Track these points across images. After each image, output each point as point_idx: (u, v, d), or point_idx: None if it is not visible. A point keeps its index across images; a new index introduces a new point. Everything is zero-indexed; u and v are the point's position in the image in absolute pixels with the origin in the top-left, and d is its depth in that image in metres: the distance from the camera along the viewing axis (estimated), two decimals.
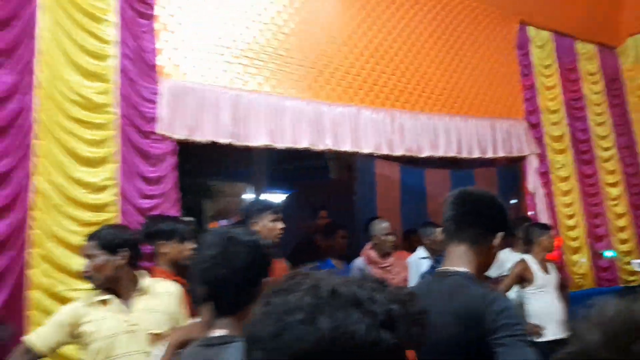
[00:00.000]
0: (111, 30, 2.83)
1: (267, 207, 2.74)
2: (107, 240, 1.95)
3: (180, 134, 2.99)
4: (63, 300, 2.44)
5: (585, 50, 5.16)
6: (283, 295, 0.62)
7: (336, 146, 3.52)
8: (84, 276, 2.06)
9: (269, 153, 4.84)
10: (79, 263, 2.54)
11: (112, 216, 2.72)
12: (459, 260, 1.33)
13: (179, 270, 2.45)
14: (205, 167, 4.81)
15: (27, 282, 2.49)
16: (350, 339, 0.57)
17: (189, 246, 2.47)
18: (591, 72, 5.15)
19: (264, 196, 6.03)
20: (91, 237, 1.99)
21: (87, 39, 2.76)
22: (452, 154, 4.05)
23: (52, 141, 2.59)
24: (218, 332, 1.14)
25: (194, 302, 1.46)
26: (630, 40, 5.31)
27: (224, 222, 4.69)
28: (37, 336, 1.90)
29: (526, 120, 4.65)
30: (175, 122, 2.98)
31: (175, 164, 3.00)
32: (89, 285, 2.20)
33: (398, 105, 3.89)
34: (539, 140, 4.68)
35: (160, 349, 1.43)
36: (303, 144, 3.42)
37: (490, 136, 4.28)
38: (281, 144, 3.34)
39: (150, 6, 3.00)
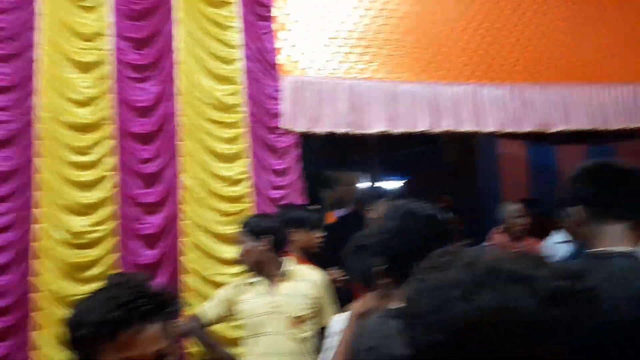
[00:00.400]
0: (236, 35, 3.07)
1: (382, 194, 2.77)
2: (251, 227, 2.14)
3: (302, 127, 3.13)
4: (212, 283, 2.73)
5: None
6: (437, 273, 0.61)
7: (456, 127, 3.41)
8: (238, 261, 2.29)
9: (384, 140, 4.85)
10: (223, 250, 2.82)
11: (247, 206, 2.96)
12: (620, 240, 1.19)
13: (309, 258, 2.58)
14: (321, 157, 4.97)
15: (181, 268, 2.82)
16: (513, 316, 0.55)
17: (317, 234, 2.60)
18: None
19: (379, 184, 6.05)
20: (241, 225, 2.21)
21: (216, 46, 3.02)
22: (588, 126, 3.68)
23: (194, 141, 2.90)
24: (396, 305, 1.17)
25: (365, 279, 1.51)
26: None
27: (340, 212, 4.79)
28: (204, 309, 2.20)
29: None
30: (296, 116, 3.13)
31: (299, 155, 3.16)
32: (235, 270, 2.43)
33: (523, 78, 3.63)
34: None
35: (339, 320, 1.53)
36: (420, 127, 3.37)
37: (633, 104, 3.80)
38: (398, 129, 3.33)
39: (268, 8, 3.18)
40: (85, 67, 2.80)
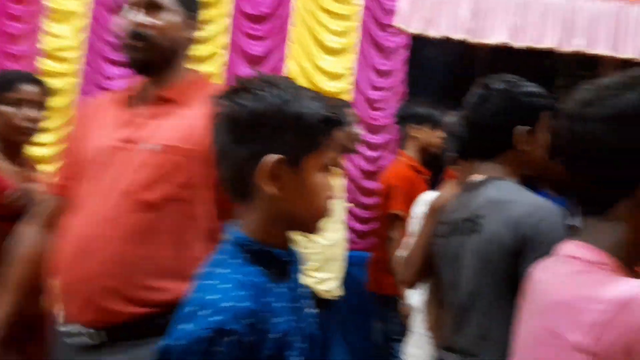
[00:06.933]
0: None
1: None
2: None
3: (417, 28, 2.95)
4: None
5: None
6: (594, 82, 0.73)
7: (590, 47, 3.04)
8: None
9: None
10: None
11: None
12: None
13: (425, 159, 2.47)
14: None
15: None
16: None
17: (439, 134, 2.38)
18: None
19: None
20: None
21: None
22: None
23: (305, 29, 2.85)
24: (476, 177, 1.18)
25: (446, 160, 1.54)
26: None
27: None
28: None
29: None
30: (413, 16, 2.94)
31: (407, 58, 3.02)
32: None
33: None
34: None
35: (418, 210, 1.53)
36: (547, 43, 3.04)
37: None
38: (521, 42, 3.03)
39: None
40: None
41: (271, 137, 0.70)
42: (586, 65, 3.63)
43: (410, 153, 2.54)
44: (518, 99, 1.14)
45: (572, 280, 0.70)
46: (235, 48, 2.84)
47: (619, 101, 0.68)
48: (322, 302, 2.19)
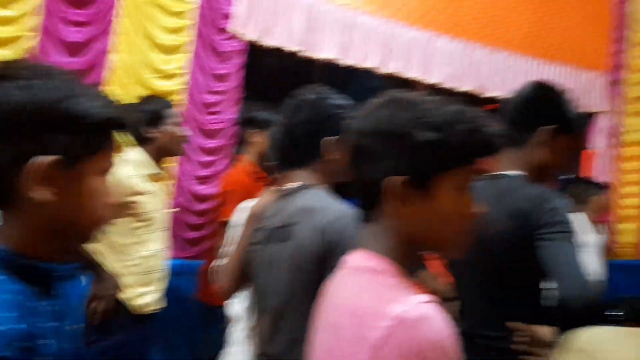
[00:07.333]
0: None
1: None
2: None
3: (253, 35, 2.97)
4: None
5: None
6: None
7: (404, 71, 3.42)
8: None
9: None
10: None
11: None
12: (511, 164, 1.34)
13: (265, 165, 2.41)
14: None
15: None
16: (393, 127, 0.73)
17: None
18: None
19: None
20: None
21: None
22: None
23: (132, 21, 2.63)
24: (291, 185, 1.21)
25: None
26: None
27: None
28: None
29: (607, 75, 4.34)
30: (249, 22, 2.95)
31: (243, 63, 3.01)
32: None
33: (476, 39, 3.69)
34: (617, 98, 4.39)
35: (238, 217, 1.50)
36: (369, 63, 3.34)
37: (567, 85, 4.03)
38: (349, 60, 3.28)
39: None
40: None
41: (41, 137, 0.62)
42: (403, 87, 4.11)
43: (249, 158, 2.52)
44: (326, 110, 1.21)
45: (359, 295, 0.71)
46: (48, 33, 2.49)
47: (376, 117, 0.76)
48: (141, 318, 2.00)
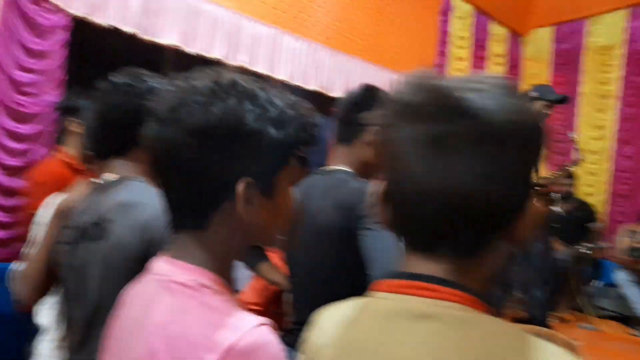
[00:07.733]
0: None
1: None
2: None
3: (78, 9, 2.64)
4: None
5: (498, 33, 5.48)
6: (188, 81, 0.67)
7: (251, 65, 3.39)
8: None
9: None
10: None
11: None
12: (340, 160, 1.44)
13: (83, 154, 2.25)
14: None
15: None
16: (238, 124, 0.63)
17: None
18: (498, 54, 5.51)
19: None
20: None
21: None
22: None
23: None
24: (109, 177, 1.09)
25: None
26: (533, 32, 5.74)
27: None
28: None
29: None
30: None
31: (66, 40, 2.67)
32: None
33: (319, 40, 3.83)
34: None
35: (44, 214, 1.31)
36: (216, 54, 3.24)
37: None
38: (192, 48, 3.13)
39: None
40: None
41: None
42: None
43: (68, 149, 2.29)
44: (140, 95, 1.08)
45: (176, 317, 0.61)
46: None
47: (204, 114, 0.62)
48: None
